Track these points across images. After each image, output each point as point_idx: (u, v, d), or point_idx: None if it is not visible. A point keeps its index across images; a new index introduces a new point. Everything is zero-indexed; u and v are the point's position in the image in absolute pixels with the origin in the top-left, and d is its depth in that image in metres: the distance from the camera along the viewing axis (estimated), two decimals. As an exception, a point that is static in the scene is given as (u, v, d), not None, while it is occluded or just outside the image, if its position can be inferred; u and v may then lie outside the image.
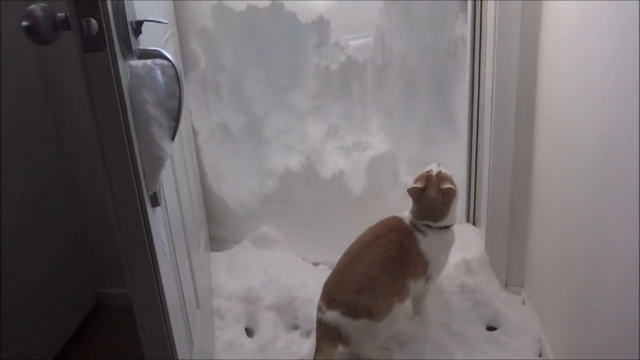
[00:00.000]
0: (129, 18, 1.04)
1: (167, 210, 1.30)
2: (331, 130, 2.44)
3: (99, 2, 0.90)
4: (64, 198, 2.12)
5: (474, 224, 2.41)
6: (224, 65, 2.38)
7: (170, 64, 1.10)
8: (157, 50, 1.13)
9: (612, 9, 1.25)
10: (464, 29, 2.24)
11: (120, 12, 0.99)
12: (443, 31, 2.35)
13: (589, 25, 1.40)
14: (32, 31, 0.89)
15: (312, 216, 2.46)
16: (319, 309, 1.83)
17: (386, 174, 2.44)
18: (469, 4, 2.16)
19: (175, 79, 1.11)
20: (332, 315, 1.78)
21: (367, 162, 2.39)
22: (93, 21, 0.89)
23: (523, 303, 2.07)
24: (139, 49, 1.09)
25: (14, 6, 1.72)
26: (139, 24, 1.08)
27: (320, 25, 2.33)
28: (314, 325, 1.87)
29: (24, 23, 0.89)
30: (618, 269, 1.28)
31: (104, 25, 0.90)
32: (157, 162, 1.10)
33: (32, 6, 0.90)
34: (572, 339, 1.64)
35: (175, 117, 1.13)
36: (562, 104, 1.62)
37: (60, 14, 0.93)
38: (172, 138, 1.14)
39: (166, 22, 1.33)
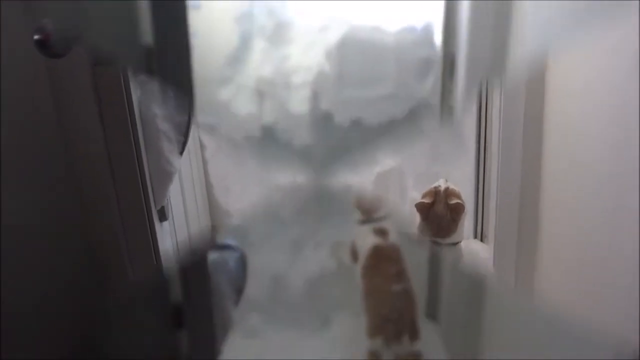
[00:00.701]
0: (142, 33, 1.04)
1: (174, 223, 1.31)
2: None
3: None
4: (71, 209, 2.11)
5: (481, 240, 2.45)
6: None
7: (240, 254, 1.25)
8: (230, 244, 1.29)
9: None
10: None
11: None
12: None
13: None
14: (43, 45, 0.94)
15: (319, 231, 2.46)
16: None
17: (394, 189, 2.45)
18: None
19: (243, 265, 1.27)
20: None
21: (374, 177, 2.39)
22: None
23: None
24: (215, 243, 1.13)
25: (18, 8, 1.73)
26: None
27: (308, 152, 2.40)
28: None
29: (36, 37, 0.91)
30: (628, 287, 1.28)
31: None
32: (165, 176, 1.16)
33: (44, 20, 0.89)
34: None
35: (184, 132, 1.18)
36: (571, 119, 1.67)
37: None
38: (181, 153, 1.14)
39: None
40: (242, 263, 1.35)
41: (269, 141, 2.52)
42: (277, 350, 2.56)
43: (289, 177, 2.62)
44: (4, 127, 1.78)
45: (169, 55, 0.90)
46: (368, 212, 2.21)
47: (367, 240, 2.23)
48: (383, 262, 2.15)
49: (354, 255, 2.30)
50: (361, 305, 2.17)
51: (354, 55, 2.42)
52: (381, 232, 2.20)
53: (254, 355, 2.54)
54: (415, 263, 2.57)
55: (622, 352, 1.23)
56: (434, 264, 2.43)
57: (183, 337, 1.06)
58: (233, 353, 2.54)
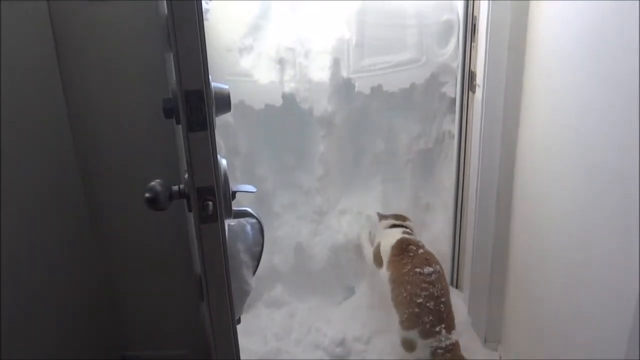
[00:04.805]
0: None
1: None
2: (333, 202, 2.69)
3: (215, 188, 1.06)
4: (93, 260, 2.08)
5: (456, 287, 2.58)
6: (239, 150, 2.58)
7: (257, 220, 1.41)
8: (247, 210, 1.42)
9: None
10: (451, 126, 2.50)
11: (226, 187, 1.15)
12: (432, 125, 2.63)
13: (560, 127, 1.65)
14: (153, 201, 1.09)
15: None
16: None
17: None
18: (457, 107, 2.38)
19: (260, 231, 1.42)
20: None
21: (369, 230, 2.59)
22: (211, 204, 1.08)
23: (500, 358, 2.22)
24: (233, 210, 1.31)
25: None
26: (234, 193, 1.30)
27: (329, 121, 2.55)
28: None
29: (147, 195, 1.08)
30: (587, 323, 1.52)
31: (217, 205, 1.09)
32: (244, 294, 1.36)
33: (153, 182, 1.10)
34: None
35: (257, 259, 1.43)
36: (534, 188, 1.88)
37: (174, 187, 1.12)
38: (254, 274, 1.41)
39: (254, 190, 1.53)
40: (259, 229, 1.43)
41: (290, 109, 2.54)
42: (301, 319, 2.62)
43: (310, 145, 2.64)
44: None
45: (181, 27, 0.95)
46: (399, 219, 2.30)
47: (393, 237, 2.25)
48: (410, 246, 2.18)
49: (378, 259, 2.30)
50: (393, 302, 2.13)
51: (374, 21, 2.42)
52: (408, 231, 2.26)
53: (278, 324, 2.56)
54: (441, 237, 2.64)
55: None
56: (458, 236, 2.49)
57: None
58: (257, 322, 2.60)
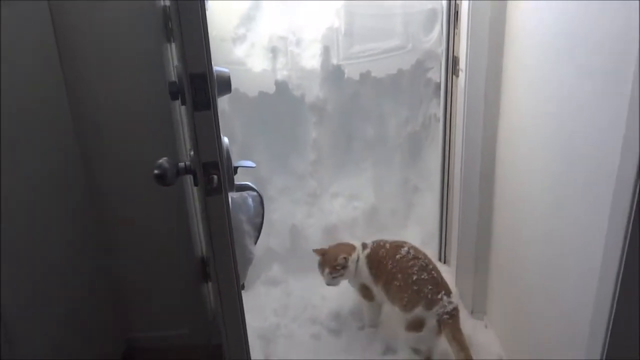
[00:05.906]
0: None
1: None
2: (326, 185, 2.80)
3: (219, 163, 1.14)
4: (95, 243, 2.12)
5: (444, 262, 2.68)
6: (235, 137, 2.66)
7: (257, 193, 1.53)
8: (248, 184, 1.54)
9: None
10: (437, 110, 2.60)
11: (229, 162, 1.25)
12: (419, 110, 2.74)
13: (538, 110, 1.71)
14: (161, 177, 1.15)
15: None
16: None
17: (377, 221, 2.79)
18: (442, 91, 2.46)
19: (261, 204, 1.54)
20: None
21: (360, 212, 2.74)
22: (215, 177, 1.13)
23: (486, 327, 2.31)
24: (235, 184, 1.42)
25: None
26: (236, 168, 1.42)
27: (320, 107, 2.66)
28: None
29: (156, 171, 1.14)
30: (559, 295, 1.61)
31: (221, 178, 1.16)
32: (247, 262, 1.46)
33: (161, 160, 1.16)
34: (526, 354, 1.94)
35: (259, 229, 1.53)
36: (514, 169, 1.96)
37: (180, 163, 1.20)
38: (255, 243, 1.52)
39: (254, 165, 1.65)
40: (260, 201, 1.53)
41: (283, 96, 2.62)
42: (297, 296, 2.66)
43: (303, 131, 2.72)
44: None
45: (185, 16, 1.03)
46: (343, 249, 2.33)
47: (361, 265, 2.27)
48: (380, 251, 2.23)
49: (368, 294, 2.31)
50: (389, 298, 2.16)
51: (362, 11, 2.51)
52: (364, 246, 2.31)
53: (276, 301, 2.64)
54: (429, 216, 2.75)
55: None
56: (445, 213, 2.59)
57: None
58: (256, 300, 2.69)
